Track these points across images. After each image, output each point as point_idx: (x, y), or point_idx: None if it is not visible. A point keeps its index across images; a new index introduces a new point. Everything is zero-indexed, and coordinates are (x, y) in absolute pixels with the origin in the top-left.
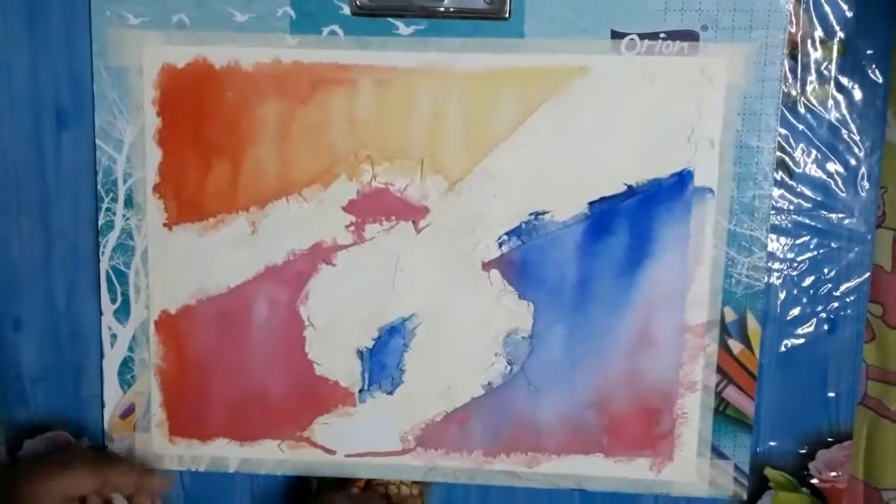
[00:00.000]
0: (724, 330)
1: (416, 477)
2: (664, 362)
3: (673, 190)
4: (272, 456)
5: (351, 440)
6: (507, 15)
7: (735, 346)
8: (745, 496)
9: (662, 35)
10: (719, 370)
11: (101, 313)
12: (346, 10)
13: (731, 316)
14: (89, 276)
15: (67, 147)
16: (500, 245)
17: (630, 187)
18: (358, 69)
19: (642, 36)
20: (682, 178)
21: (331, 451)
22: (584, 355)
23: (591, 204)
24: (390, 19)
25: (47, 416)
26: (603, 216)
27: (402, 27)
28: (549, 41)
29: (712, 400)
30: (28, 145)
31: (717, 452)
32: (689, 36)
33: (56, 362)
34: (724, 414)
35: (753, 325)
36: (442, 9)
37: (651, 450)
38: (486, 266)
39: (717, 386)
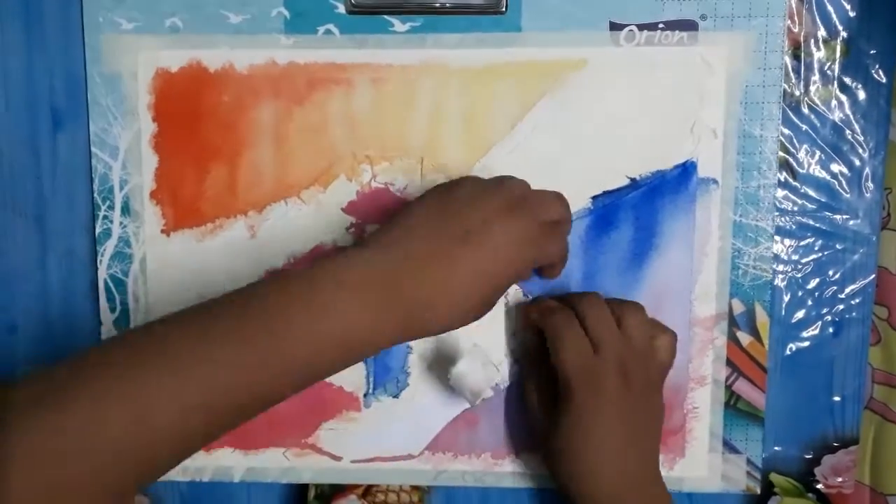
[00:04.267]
0: (733, 322)
1: (425, 481)
2: None
3: (677, 181)
4: (277, 464)
5: (357, 446)
6: (503, 9)
7: (744, 338)
8: (758, 490)
9: (661, 25)
10: (729, 363)
11: (100, 323)
12: (341, 9)
13: (739, 308)
14: (85, 280)
15: (64, 151)
16: None
17: (633, 180)
18: (354, 68)
19: (641, 27)
20: (686, 170)
21: (337, 458)
22: None
23: (594, 198)
24: (386, 16)
25: None
26: (606, 210)
27: (397, 24)
28: (546, 34)
29: (722, 393)
30: (24, 150)
31: (729, 447)
32: (688, 25)
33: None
34: (735, 407)
35: (762, 317)
36: (438, 4)
37: (662, 446)
38: None
39: (727, 379)
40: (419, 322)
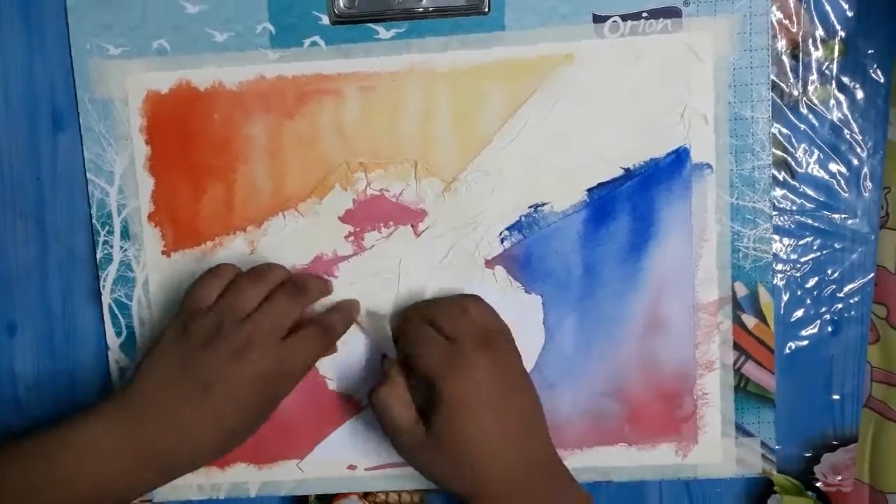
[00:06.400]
0: (737, 305)
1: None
2: (679, 344)
3: (671, 169)
4: (292, 476)
5: (368, 453)
6: (486, 9)
7: (749, 320)
8: (774, 472)
9: (644, 14)
10: (736, 346)
11: (107, 348)
12: (326, 20)
13: (742, 291)
14: (85, 279)
15: (64, 151)
16: (502, 241)
17: (627, 170)
18: (342, 78)
19: (624, 17)
20: (679, 156)
21: (351, 467)
22: (598, 344)
23: (589, 191)
24: (370, 25)
25: (41, 424)
26: (603, 202)
27: (382, 31)
28: (531, 32)
29: (731, 377)
30: (24, 150)
31: (742, 430)
32: (672, 12)
33: (51, 369)
34: (745, 391)
35: (766, 298)
36: (420, 9)
37: (675, 434)
38: (490, 263)
39: (735, 363)
40: (168, 468)
